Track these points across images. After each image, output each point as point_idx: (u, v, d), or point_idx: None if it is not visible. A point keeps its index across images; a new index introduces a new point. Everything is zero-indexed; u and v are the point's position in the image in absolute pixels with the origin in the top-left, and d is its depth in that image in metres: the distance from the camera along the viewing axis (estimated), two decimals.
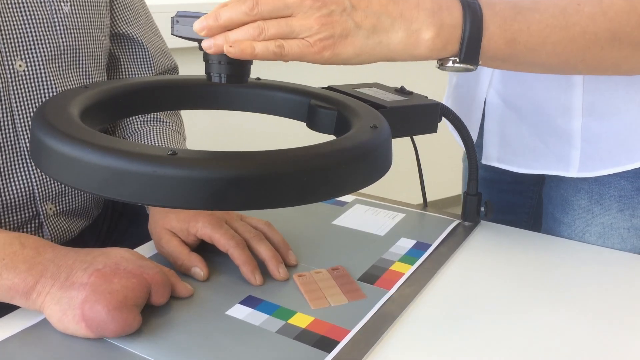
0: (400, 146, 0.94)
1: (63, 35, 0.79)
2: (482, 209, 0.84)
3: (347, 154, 0.53)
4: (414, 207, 0.92)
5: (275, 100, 0.72)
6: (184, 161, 0.47)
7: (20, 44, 0.75)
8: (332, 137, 0.60)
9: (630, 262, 0.77)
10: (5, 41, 0.74)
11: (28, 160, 0.77)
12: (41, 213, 0.79)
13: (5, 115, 0.74)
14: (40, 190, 0.78)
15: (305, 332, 0.60)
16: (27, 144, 0.76)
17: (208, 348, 0.57)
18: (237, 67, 0.58)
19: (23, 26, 0.75)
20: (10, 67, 0.74)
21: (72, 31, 0.80)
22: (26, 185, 0.77)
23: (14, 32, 0.74)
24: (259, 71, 0.70)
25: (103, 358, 0.56)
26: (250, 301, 0.65)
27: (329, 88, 0.78)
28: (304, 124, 0.70)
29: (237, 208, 0.50)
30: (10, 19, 0.74)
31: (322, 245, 0.79)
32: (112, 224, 0.98)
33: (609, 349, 0.59)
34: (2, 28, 0.73)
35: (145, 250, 0.77)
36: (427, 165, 0.96)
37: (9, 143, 0.75)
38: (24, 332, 0.59)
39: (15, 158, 0.76)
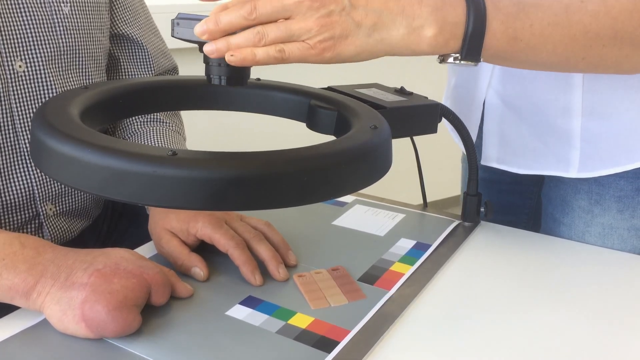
0: (400, 146, 0.94)
1: (63, 36, 0.79)
2: (482, 209, 0.84)
3: (347, 155, 0.53)
4: (414, 208, 0.92)
5: (275, 101, 0.72)
6: (184, 161, 0.47)
7: (20, 44, 0.75)
8: (332, 138, 0.60)
9: (630, 262, 0.77)
10: (5, 42, 0.74)
11: (28, 161, 0.77)
12: (41, 213, 0.79)
13: (5, 115, 0.74)
14: (40, 190, 0.78)
15: (305, 333, 0.60)
16: (27, 145, 0.76)
17: (208, 348, 0.57)
18: (238, 69, 0.58)
19: (23, 27, 0.75)
20: (10, 67, 0.74)
21: (72, 32, 0.80)
22: (26, 185, 0.77)
23: (13, 32, 0.74)
24: (259, 71, 0.70)
25: (103, 358, 0.56)
26: (250, 301, 0.65)
27: (329, 88, 0.78)
28: (304, 124, 0.70)
29: (237, 208, 0.50)
30: (10, 19, 0.74)
31: (322, 246, 0.79)
32: (112, 224, 0.98)
33: (609, 349, 0.59)
34: (2, 29, 0.73)
35: (145, 250, 0.77)
36: (427, 165, 0.96)
37: (9, 143, 0.75)
38: (24, 333, 0.59)
39: (15, 158, 0.76)
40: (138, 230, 0.90)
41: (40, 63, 0.77)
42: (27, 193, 0.77)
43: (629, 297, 0.68)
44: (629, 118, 0.78)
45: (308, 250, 0.77)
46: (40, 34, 0.77)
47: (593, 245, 0.82)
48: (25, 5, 0.75)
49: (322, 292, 0.67)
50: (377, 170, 0.56)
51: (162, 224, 0.74)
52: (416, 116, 0.76)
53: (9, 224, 0.77)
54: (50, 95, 0.78)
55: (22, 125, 0.76)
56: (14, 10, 0.74)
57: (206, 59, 0.58)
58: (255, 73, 0.65)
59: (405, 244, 0.79)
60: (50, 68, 0.78)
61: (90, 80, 0.84)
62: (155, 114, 0.95)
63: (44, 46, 0.77)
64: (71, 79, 0.81)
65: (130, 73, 0.94)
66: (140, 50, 0.94)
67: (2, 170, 0.75)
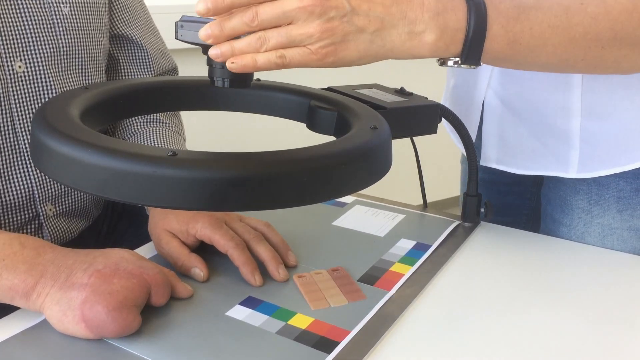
0: (400, 147, 0.94)
1: (62, 37, 0.79)
2: (482, 210, 0.84)
3: (347, 155, 0.53)
4: (414, 208, 0.92)
5: (275, 101, 0.72)
6: (184, 162, 0.47)
7: (20, 45, 0.75)
8: (332, 138, 0.60)
9: (630, 262, 0.77)
10: (4, 42, 0.74)
11: (28, 161, 0.77)
12: (41, 214, 0.79)
13: (4, 116, 0.74)
14: (40, 191, 0.78)
15: (305, 333, 0.60)
16: (27, 145, 0.76)
17: (208, 349, 0.57)
18: (241, 72, 0.58)
19: (22, 27, 0.75)
20: (10, 68, 0.74)
21: (71, 32, 0.80)
22: (26, 186, 0.77)
23: (13, 33, 0.74)
24: (260, 72, 0.70)
25: (103, 359, 0.56)
26: (250, 302, 0.65)
27: (329, 89, 0.78)
28: (304, 125, 0.70)
29: (237, 209, 0.50)
30: (9, 20, 0.74)
31: (322, 246, 0.79)
32: (111, 224, 0.98)
33: (609, 349, 0.59)
34: (2, 29, 0.73)
35: (145, 251, 0.77)
36: (427, 166, 0.96)
37: (9, 144, 0.75)
38: (24, 333, 0.59)
39: (15, 159, 0.76)
40: (138, 231, 0.90)
41: (40, 64, 0.77)
42: (27, 193, 0.77)
43: (628, 297, 0.68)
44: (628, 118, 0.78)
45: (308, 250, 0.77)
46: (40, 34, 0.77)
47: (593, 246, 0.82)
48: (25, 6, 0.75)
49: (322, 292, 0.67)
50: (377, 170, 0.56)
51: (162, 225, 0.74)
52: (416, 117, 0.76)
53: (9, 225, 0.77)
54: (50, 95, 0.78)
55: (22, 125, 0.76)
56: (14, 11, 0.74)
57: (209, 61, 0.58)
58: (255, 74, 0.65)
59: (405, 245, 0.79)
60: (50, 69, 0.78)
61: (90, 81, 0.84)
62: (155, 114, 0.95)
63: (43, 47, 0.77)
64: (71, 80, 0.81)
65: (130, 74, 0.94)
66: (139, 51, 0.94)
67: (1, 171, 0.75)
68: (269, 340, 0.59)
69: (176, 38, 0.58)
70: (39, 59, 0.77)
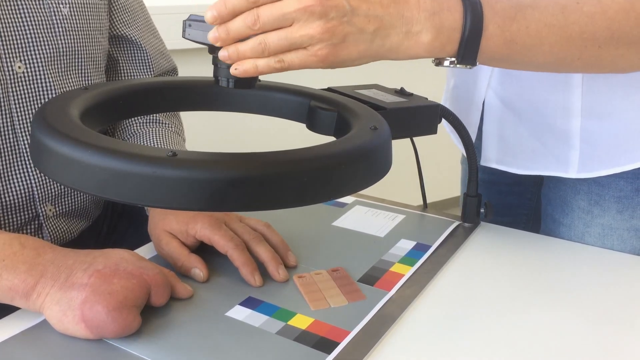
0: (400, 147, 0.94)
1: (62, 37, 0.79)
2: (482, 210, 0.84)
3: (347, 156, 0.53)
4: (414, 209, 0.92)
5: (275, 102, 0.72)
6: (183, 162, 0.47)
7: (20, 45, 0.75)
8: (332, 139, 0.60)
9: (630, 263, 0.77)
10: (4, 43, 0.74)
11: (27, 162, 0.77)
12: (41, 214, 0.79)
13: (4, 117, 0.74)
14: (39, 191, 0.78)
15: (305, 334, 0.60)
16: (27, 146, 0.76)
17: (208, 349, 0.57)
18: None
19: (22, 28, 0.75)
20: (10, 69, 0.74)
21: (71, 33, 0.80)
22: (26, 186, 0.77)
23: (13, 34, 0.74)
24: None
25: (103, 359, 0.56)
26: (250, 302, 0.65)
27: (329, 89, 0.78)
28: (304, 125, 0.70)
29: (237, 209, 0.50)
30: (9, 21, 0.74)
31: (322, 247, 0.79)
32: (111, 225, 0.98)
33: (609, 349, 0.59)
34: (2, 30, 0.73)
35: (145, 251, 0.77)
36: (427, 166, 0.96)
37: (9, 145, 0.75)
38: (24, 333, 0.59)
39: (15, 159, 0.76)
40: (138, 231, 0.90)
41: (40, 64, 0.77)
42: (27, 194, 0.77)
43: (628, 297, 0.68)
44: (628, 118, 0.78)
45: (308, 251, 0.77)
46: (40, 35, 0.77)
47: (592, 246, 0.82)
48: (24, 7, 0.75)
49: (322, 293, 0.67)
50: (377, 171, 0.56)
51: (162, 226, 0.74)
52: (416, 117, 0.76)
53: (9, 225, 0.77)
54: (50, 96, 0.78)
55: (22, 126, 0.76)
56: (14, 12, 0.74)
57: (215, 61, 0.58)
58: None
59: (405, 245, 0.79)
60: (49, 69, 0.78)
61: (90, 82, 0.84)
62: (154, 115, 0.95)
63: (43, 47, 0.77)
64: (70, 80, 0.81)
65: (129, 74, 0.94)
66: (139, 52, 0.94)
67: (1, 171, 0.75)
68: (269, 341, 0.59)
69: (183, 37, 0.58)
70: (39, 60, 0.77)
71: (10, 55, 0.74)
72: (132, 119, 0.94)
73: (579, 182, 0.85)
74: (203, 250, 0.72)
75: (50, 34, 0.78)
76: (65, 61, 0.80)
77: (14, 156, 0.76)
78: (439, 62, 0.65)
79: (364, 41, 0.58)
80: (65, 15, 0.79)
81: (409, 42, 0.60)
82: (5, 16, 0.74)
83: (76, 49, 0.81)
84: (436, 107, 0.77)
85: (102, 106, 0.64)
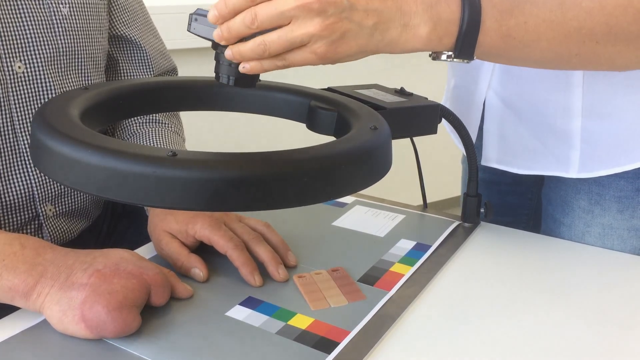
0: (400, 147, 0.94)
1: (62, 37, 0.79)
2: (482, 210, 0.84)
3: (347, 155, 0.53)
4: (414, 209, 0.92)
5: (275, 102, 0.72)
6: (184, 162, 0.47)
7: (19, 45, 0.75)
8: (332, 138, 0.60)
9: (630, 263, 0.77)
10: (4, 43, 0.74)
11: (27, 162, 0.77)
12: (41, 214, 0.79)
13: (4, 117, 0.74)
14: (39, 191, 0.78)
15: (305, 333, 0.60)
16: (27, 146, 0.76)
17: (208, 349, 0.57)
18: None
19: (22, 28, 0.75)
20: (10, 69, 0.74)
21: (71, 33, 0.80)
22: (26, 186, 0.77)
23: (13, 34, 0.74)
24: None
25: (103, 359, 0.56)
26: (250, 302, 0.65)
27: (329, 89, 0.78)
28: (304, 125, 0.70)
29: (237, 209, 0.50)
30: (9, 21, 0.74)
31: (322, 247, 0.79)
32: (111, 225, 0.98)
33: (609, 350, 0.59)
34: (1, 30, 0.73)
35: (145, 251, 0.77)
36: (427, 166, 0.96)
37: (9, 145, 0.75)
38: (24, 333, 0.59)
39: (15, 159, 0.76)
40: (138, 231, 0.90)
41: (40, 64, 0.77)
42: (27, 194, 0.77)
43: (629, 297, 0.68)
44: (628, 118, 0.78)
45: (308, 251, 0.77)
46: (40, 35, 0.77)
47: (592, 246, 0.82)
48: (24, 7, 0.75)
49: (322, 292, 0.67)
50: (377, 171, 0.56)
51: (162, 226, 0.74)
52: (416, 117, 0.76)
53: (9, 225, 0.77)
54: (50, 96, 0.78)
55: (22, 126, 0.76)
56: (14, 12, 0.74)
57: (217, 57, 0.58)
58: None
59: (405, 245, 0.79)
60: (49, 69, 0.78)
61: (90, 82, 0.84)
62: (154, 115, 0.95)
63: (43, 47, 0.77)
64: (70, 80, 0.81)
65: (129, 74, 0.94)
66: (139, 52, 0.94)
67: (1, 171, 0.75)
68: (269, 341, 0.59)
69: (188, 30, 0.59)
70: (39, 60, 0.77)
71: (10, 55, 0.74)
72: (132, 119, 0.94)
73: (580, 182, 0.85)
74: (203, 250, 0.72)
75: (50, 34, 0.78)
76: (65, 61, 0.80)
77: (14, 156, 0.76)
78: (436, 56, 0.64)
79: (363, 36, 0.57)
80: (65, 15, 0.79)
81: (407, 35, 0.59)
82: (5, 16, 0.74)
83: (76, 49, 0.81)
84: (436, 107, 0.77)
85: (102, 106, 0.64)
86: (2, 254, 0.60)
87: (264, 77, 0.74)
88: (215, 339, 0.59)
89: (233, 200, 0.48)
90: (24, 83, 0.76)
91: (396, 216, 0.88)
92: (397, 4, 0.59)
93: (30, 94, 0.76)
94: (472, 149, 0.82)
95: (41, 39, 0.77)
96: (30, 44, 0.76)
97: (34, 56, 0.76)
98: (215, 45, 0.58)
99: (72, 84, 0.81)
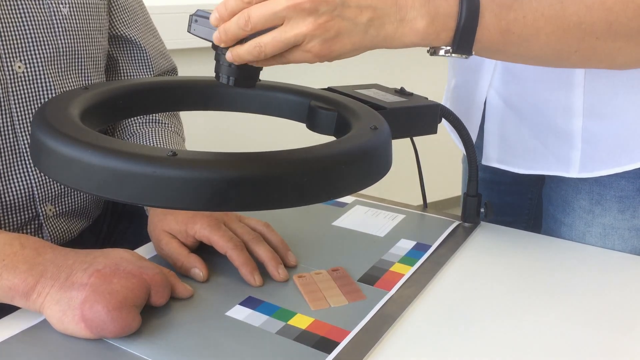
0: (400, 147, 0.94)
1: (62, 37, 0.79)
2: (482, 210, 0.84)
3: (347, 155, 0.53)
4: (414, 208, 0.92)
5: (275, 102, 0.72)
6: (184, 162, 0.47)
7: (20, 45, 0.75)
8: (332, 138, 0.60)
9: (631, 263, 0.77)
10: (4, 43, 0.74)
11: (27, 162, 0.77)
12: (41, 214, 0.79)
13: (4, 117, 0.74)
14: (39, 191, 0.78)
15: (305, 333, 0.60)
16: (27, 146, 0.76)
17: (208, 349, 0.57)
18: (247, 72, 0.59)
19: (22, 28, 0.75)
20: (10, 69, 0.74)
21: (71, 33, 0.80)
22: (26, 186, 0.77)
23: (13, 34, 0.74)
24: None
25: (103, 359, 0.56)
26: (250, 302, 0.65)
27: (329, 89, 0.78)
28: (304, 125, 0.70)
29: (237, 209, 0.50)
30: (9, 21, 0.74)
31: (322, 246, 0.79)
32: (111, 225, 0.98)
33: (610, 350, 0.59)
34: (2, 30, 0.73)
35: (145, 251, 0.77)
36: (427, 166, 0.96)
37: (9, 144, 0.75)
38: (24, 333, 0.59)
39: (15, 159, 0.76)
40: (138, 231, 0.90)
41: (40, 64, 0.77)
42: (27, 194, 0.77)
43: (629, 298, 0.68)
44: (629, 118, 0.78)
45: (308, 250, 0.77)
46: (40, 35, 0.77)
47: (593, 246, 0.82)
48: (24, 7, 0.75)
49: (322, 292, 0.67)
50: (377, 170, 0.56)
51: (161, 226, 0.74)
52: (416, 117, 0.76)
53: (9, 225, 0.77)
54: (50, 96, 0.78)
55: (22, 126, 0.76)
56: (14, 12, 0.74)
57: (217, 57, 0.58)
58: None
59: (405, 245, 0.79)
60: (49, 69, 0.78)
61: (90, 81, 0.84)
62: (154, 115, 0.95)
63: (43, 47, 0.77)
64: (70, 80, 0.81)
65: (129, 74, 0.94)
66: (139, 52, 0.94)
67: (1, 171, 0.75)
68: (269, 341, 0.59)
69: (188, 31, 0.59)
70: (39, 60, 0.77)
71: (10, 55, 0.74)
72: (132, 119, 0.94)
73: (581, 181, 0.85)
74: (203, 250, 0.72)
75: (50, 34, 0.78)
76: (65, 61, 0.80)
77: (14, 156, 0.76)
78: (434, 51, 0.64)
79: (358, 33, 0.57)
80: (65, 15, 0.79)
81: (403, 30, 0.59)
82: (5, 16, 0.74)
83: (76, 49, 0.81)
84: (436, 107, 0.77)
85: (102, 106, 0.64)
86: (2, 254, 0.60)
87: (264, 76, 0.74)
88: (215, 339, 0.59)
89: (233, 200, 0.48)
90: (24, 83, 0.76)
91: (396, 216, 0.88)
92: None
93: (30, 94, 0.76)
94: (472, 149, 0.82)
95: (41, 39, 0.77)
96: (31, 44, 0.76)
97: (34, 56, 0.76)
98: (215, 46, 0.58)
99: (72, 84, 0.81)
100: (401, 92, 0.80)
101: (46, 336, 0.58)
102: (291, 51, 0.56)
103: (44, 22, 0.77)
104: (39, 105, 0.77)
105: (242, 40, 0.56)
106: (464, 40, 0.60)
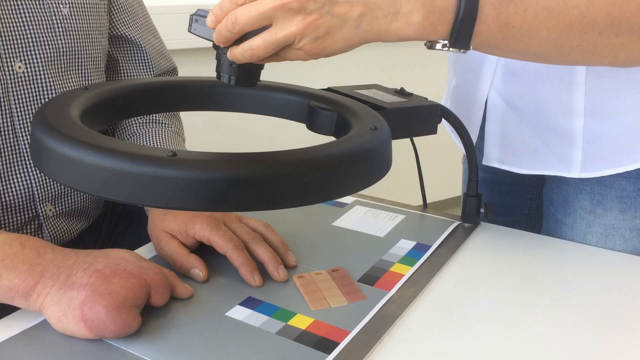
0: (400, 147, 0.94)
1: (62, 37, 0.79)
2: (482, 210, 0.84)
3: (347, 156, 0.53)
4: (414, 209, 0.92)
5: (275, 102, 0.72)
6: (184, 162, 0.47)
7: (20, 45, 0.75)
8: (332, 139, 0.60)
9: (632, 263, 0.77)
10: (4, 43, 0.74)
11: (27, 162, 0.77)
12: (41, 214, 0.79)
13: (4, 117, 0.74)
14: (39, 191, 0.78)
15: (305, 334, 0.60)
16: (27, 146, 0.76)
17: (208, 349, 0.57)
18: (248, 71, 0.59)
19: (22, 28, 0.75)
20: (10, 69, 0.74)
21: (71, 33, 0.80)
22: (26, 186, 0.77)
23: (13, 34, 0.74)
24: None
25: (102, 359, 0.56)
26: (250, 302, 0.65)
27: (329, 89, 0.78)
28: (304, 125, 0.70)
29: (237, 209, 0.50)
30: (9, 21, 0.74)
31: (322, 247, 0.79)
32: (111, 225, 0.98)
33: (610, 351, 0.59)
34: (2, 30, 0.73)
35: (145, 251, 0.77)
36: (427, 166, 0.96)
37: (9, 144, 0.75)
38: (23, 333, 0.59)
39: (15, 159, 0.76)
40: (138, 231, 0.90)
41: (40, 64, 0.77)
42: (27, 194, 0.77)
43: (630, 298, 0.68)
44: (630, 118, 0.78)
45: (308, 251, 0.77)
46: (40, 35, 0.77)
47: (593, 246, 0.82)
48: (24, 7, 0.75)
49: (322, 293, 0.67)
50: (377, 171, 0.56)
51: (161, 226, 0.74)
52: (416, 117, 0.76)
53: (9, 225, 0.77)
54: (50, 96, 0.78)
55: (22, 126, 0.76)
56: (14, 12, 0.74)
57: (218, 57, 0.58)
58: None
59: (405, 245, 0.79)
60: (49, 69, 0.78)
61: (90, 82, 0.84)
62: (154, 115, 0.95)
63: (43, 47, 0.77)
64: (71, 80, 0.81)
65: (129, 74, 0.94)
66: (139, 52, 0.94)
67: (1, 171, 0.75)
68: (269, 341, 0.59)
69: (189, 31, 0.59)
70: (39, 60, 0.77)
71: (11, 55, 0.74)
72: (132, 119, 0.94)
73: (582, 181, 0.85)
74: (203, 250, 0.72)
75: (50, 34, 0.78)
76: (65, 61, 0.80)
77: (14, 156, 0.76)
78: (431, 45, 0.62)
79: (349, 28, 0.56)
80: (65, 15, 0.79)
81: (398, 24, 0.57)
82: (5, 16, 0.74)
83: (76, 49, 0.81)
84: (436, 107, 0.77)
85: (102, 106, 0.64)
86: (2, 254, 0.60)
87: (264, 76, 0.74)
88: (215, 339, 0.59)
89: (233, 200, 0.48)
90: (24, 83, 0.76)
91: (396, 216, 0.88)
92: None
93: (30, 94, 0.76)
94: (472, 149, 0.82)
95: (41, 39, 0.77)
96: (31, 44, 0.76)
97: (34, 56, 0.76)
98: (216, 46, 0.58)
99: (72, 84, 0.81)
100: (401, 92, 0.80)
101: (46, 336, 0.58)
102: (284, 50, 0.56)
103: (44, 22, 0.77)
104: (39, 105, 0.77)
105: (239, 40, 0.56)
106: (461, 34, 0.59)
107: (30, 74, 0.76)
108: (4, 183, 0.75)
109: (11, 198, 0.76)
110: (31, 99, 0.76)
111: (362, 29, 0.56)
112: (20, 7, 0.75)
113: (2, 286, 0.59)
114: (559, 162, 0.84)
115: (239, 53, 0.56)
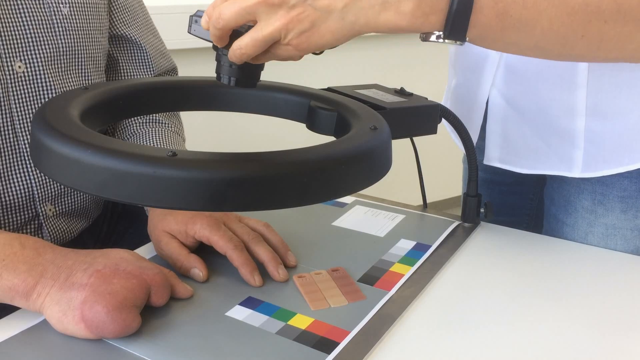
0: (400, 147, 0.94)
1: (62, 37, 0.79)
2: (482, 210, 0.84)
3: (347, 156, 0.53)
4: (414, 209, 0.92)
5: (275, 102, 0.72)
6: (183, 162, 0.47)
7: (20, 45, 0.75)
8: (332, 139, 0.60)
9: (633, 263, 0.77)
10: (4, 43, 0.74)
11: (27, 162, 0.77)
12: (40, 214, 0.79)
13: (4, 116, 0.74)
14: (39, 191, 0.78)
15: (305, 333, 0.60)
16: (27, 145, 0.76)
17: (208, 349, 0.57)
18: (248, 72, 0.59)
19: (22, 28, 0.75)
20: (10, 68, 0.74)
21: (71, 33, 0.80)
22: (25, 186, 0.77)
23: (13, 33, 0.74)
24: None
25: (102, 359, 0.56)
26: (250, 302, 0.65)
27: (329, 89, 0.78)
28: (304, 125, 0.70)
29: (237, 209, 0.50)
30: (9, 20, 0.74)
31: (322, 247, 0.79)
32: (111, 225, 0.98)
33: (611, 351, 0.59)
34: (2, 30, 0.73)
35: (145, 251, 0.77)
36: (427, 166, 0.96)
37: (9, 144, 0.75)
38: (23, 333, 0.59)
39: (15, 159, 0.76)
40: (137, 231, 0.90)
41: (40, 64, 0.77)
42: (27, 194, 0.77)
43: (631, 298, 0.68)
44: (632, 118, 0.78)
45: (308, 251, 0.77)
46: (40, 34, 0.77)
47: (594, 246, 0.82)
48: (24, 7, 0.75)
49: (321, 293, 0.67)
50: (376, 171, 0.56)
51: (161, 227, 0.74)
52: (416, 117, 0.76)
53: (9, 225, 0.77)
54: (50, 96, 0.78)
55: (22, 126, 0.76)
56: (14, 12, 0.74)
57: (218, 57, 0.59)
58: None
59: (405, 245, 0.79)
60: (49, 69, 0.78)
61: (90, 81, 0.84)
62: (154, 115, 0.95)
63: (43, 47, 0.77)
64: (71, 80, 0.81)
65: (129, 74, 0.94)
66: (139, 51, 0.94)
67: (1, 171, 0.75)
68: (269, 341, 0.59)
69: (188, 32, 0.59)
70: (39, 59, 0.77)
71: (11, 55, 0.74)
72: (132, 119, 0.94)
73: (583, 181, 0.85)
74: (203, 250, 0.72)
75: (50, 34, 0.78)
76: (65, 61, 0.80)
77: (14, 156, 0.76)
78: (425, 37, 0.59)
79: (334, 20, 0.54)
80: (65, 15, 0.79)
81: (387, 14, 0.54)
82: (5, 16, 0.74)
83: (76, 48, 0.81)
84: (436, 107, 0.77)
85: (102, 106, 0.64)
86: (2, 254, 0.60)
87: (264, 76, 0.74)
88: (215, 339, 0.59)
89: (233, 200, 0.48)
90: (24, 83, 0.76)
91: (396, 216, 0.88)
92: None
93: (30, 94, 0.76)
94: (472, 149, 0.82)
95: (41, 38, 0.77)
96: (31, 44, 0.76)
97: (34, 56, 0.76)
98: (216, 46, 0.58)
99: (72, 84, 0.81)
100: (401, 92, 0.80)
101: (46, 336, 0.58)
102: (274, 47, 0.56)
103: (44, 22, 0.77)
104: (39, 105, 0.77)
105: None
106: (457, 24, 0.55)
107: (30, 73, 0.76)
108: (3, 183, 0.75)
109: (11, 198, 0.76)
110: (31, 98, 0.76)
111: (348, 20, 0.54)
112: (20, 7, 0.75)
113: (2, 286, 0.59)
114: (560, 162, 0.84)
115: (231, 53, 0.56)
